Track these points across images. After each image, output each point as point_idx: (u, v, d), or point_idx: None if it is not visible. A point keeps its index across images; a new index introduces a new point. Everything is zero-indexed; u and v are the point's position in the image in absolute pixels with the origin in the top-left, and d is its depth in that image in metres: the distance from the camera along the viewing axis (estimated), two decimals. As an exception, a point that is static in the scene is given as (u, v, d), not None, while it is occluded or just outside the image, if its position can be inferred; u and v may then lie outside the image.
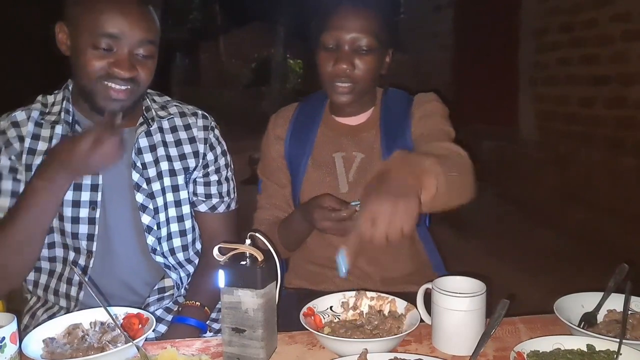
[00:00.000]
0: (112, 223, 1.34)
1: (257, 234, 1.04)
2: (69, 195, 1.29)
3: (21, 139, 1.31)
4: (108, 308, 1.06)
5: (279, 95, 11.48)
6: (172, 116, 1.44)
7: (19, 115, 1.33)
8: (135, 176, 1.36)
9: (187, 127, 1.47)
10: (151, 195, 1.37)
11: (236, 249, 1.01)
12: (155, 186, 1.38)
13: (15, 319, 0.95)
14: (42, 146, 1.31)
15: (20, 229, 1.19)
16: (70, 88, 1.36)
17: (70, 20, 1.26)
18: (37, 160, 1.29)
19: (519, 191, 4.82)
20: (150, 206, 1.37)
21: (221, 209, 1.49)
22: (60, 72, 1.40)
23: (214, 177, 1.48)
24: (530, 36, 4.80)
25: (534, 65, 4.79)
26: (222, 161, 1.50)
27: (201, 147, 1.46)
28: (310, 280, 1.55)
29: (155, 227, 1.37)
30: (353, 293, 1.22)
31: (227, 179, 1.51)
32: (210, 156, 1.47)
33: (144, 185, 1.37)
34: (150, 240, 1.36)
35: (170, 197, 1.41)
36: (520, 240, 4.22)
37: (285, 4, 10.44)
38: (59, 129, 1.32)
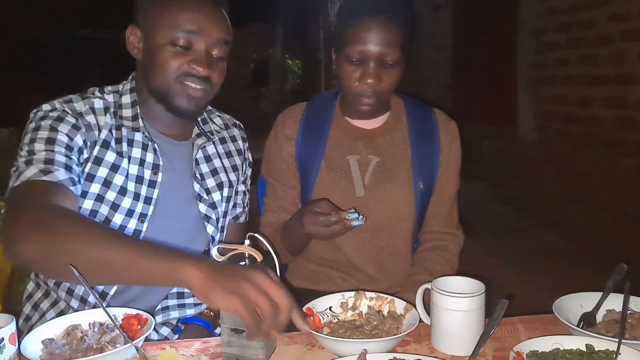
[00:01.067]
0: (154, 237, 1.29)
1: (256, 235, 1.03)
2: (127, 203, 1.25)
3: (99, 128, 1.26)
4: (107, 309, 1.06)
5: (278, 95, 11.47)
6: (222, 129, 1.47)
7: (97, 102, 1.29)
8: (197, 187, 1.35)
9: (234, 139, 1.50)
10: (213, 205, 1.38)
11: (235, 249, 1.01)
12: (216, 196, 1.39)
13: (14, 319, 0.95)
14: (116, 146, 1.26)
15: (84, 257, 0.94)
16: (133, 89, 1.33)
17: (145, 21, 1.26)
18: (109, 156, 1.24)
19: (518, 191, 4.83)
20: (213, 216, 1.38)
21: (242, 219, 1.52)
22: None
23: (241, 188, 1.50)
24: (529, 36, 4.81)
25: (533, 65, 4.80)
26: (248, 172, 1.54)
27: (242, 159, 1.50)
28: (310, 280, 1.55)
29: (217, 237, 1.38)
30: (352, 293, 1.21)
31: (248, 190, 1.54)
32: (243, 167, 1.51)
33: (205, 196, 1.37)
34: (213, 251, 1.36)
35: (223, 207, 1.42)
36: (519, 240, 4.23)
37: (285, 4, 10.44)
38: (138, 136, 1.29)
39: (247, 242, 1.01)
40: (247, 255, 1.00)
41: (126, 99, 1.32)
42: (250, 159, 1.55)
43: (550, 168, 4.53)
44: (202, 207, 1.36)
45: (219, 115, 1.51)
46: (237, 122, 1.55)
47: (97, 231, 0.97)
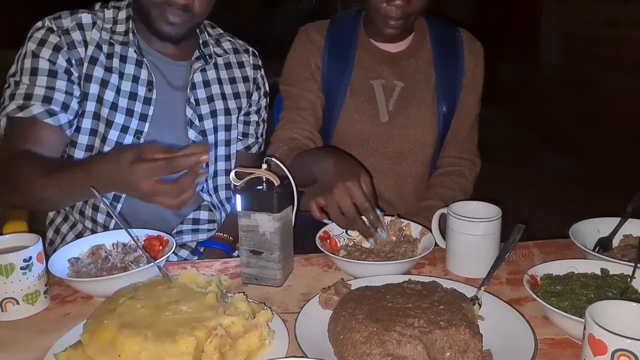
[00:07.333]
0: None
1: (273, 159, 1.03)
2: (120, 119, 1.27)
3: (85, 44, 1.26)
4: (130, 230, 1.08)
5: (292, 16, 11.13)
6: (227, 54, 1.43)
7: (85, 17, 1.28)
8: (189, 112, 1.34)
9: (241, 65, 1.46)
10: (203, 133, 1.37)
11: (253, 173, 1.01)
12: (208, 124, 1.38)
13: (41, 239, 0.98)
14: (106, 62, 1.27)
15: (47, 188, 1.09)
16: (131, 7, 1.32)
17: None
18: (98, 72, 1.25)
19: (538, 116, 4.74)
20: None
21: (255, 149, 1.50)
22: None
23: (254, 118, 1.48)
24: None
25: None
26: (263, 102, 1.51)
27: (251, 87, 1.46)
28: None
29: (204, 165, 1.37)
30: (369, 217, 1.22)
31: (264, 120, 1.51)
32: (255, 96, 1.47)
33: (196, 122, 1.36)
34: None
35: (221, 135, 1.41)
36: (538, 166, 4.20)
37: None
38: (131, 52, 1.28)
39: (264, 166, 1.01)
40: (264, 180, 1.01)
41: (122, 14, 1.31)
42: (267, 89, 1.51)
43: (573, 93, 4.41)
44: (191, 134, 1.35)
45: (229, 40, 1.46)
46: (250, 48, 1.50)
47: (35, 176, 1.09)
